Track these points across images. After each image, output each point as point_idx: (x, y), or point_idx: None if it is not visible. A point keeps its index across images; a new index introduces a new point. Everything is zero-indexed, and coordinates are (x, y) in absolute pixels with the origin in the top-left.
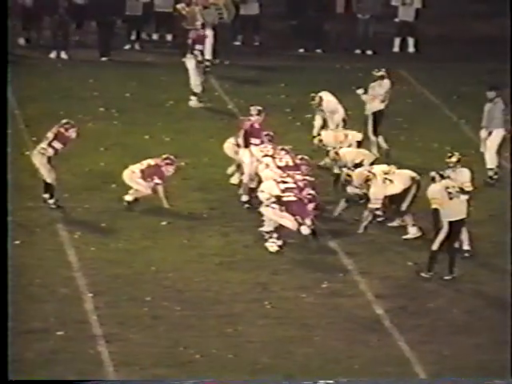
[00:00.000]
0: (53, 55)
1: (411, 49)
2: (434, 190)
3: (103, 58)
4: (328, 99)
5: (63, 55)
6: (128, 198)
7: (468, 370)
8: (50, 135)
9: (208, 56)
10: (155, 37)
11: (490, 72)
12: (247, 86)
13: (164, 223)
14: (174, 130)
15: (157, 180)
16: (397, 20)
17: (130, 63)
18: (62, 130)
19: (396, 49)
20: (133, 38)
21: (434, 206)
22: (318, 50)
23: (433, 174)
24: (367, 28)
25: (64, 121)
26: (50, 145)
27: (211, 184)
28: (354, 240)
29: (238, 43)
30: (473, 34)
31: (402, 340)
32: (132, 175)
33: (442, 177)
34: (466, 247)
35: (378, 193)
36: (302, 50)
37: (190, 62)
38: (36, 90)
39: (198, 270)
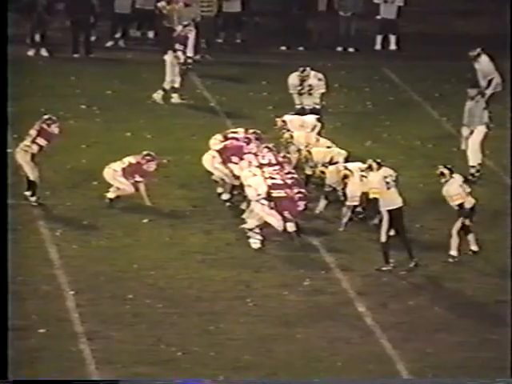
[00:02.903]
0: (31, 53)
1: (393, 46)
2: (373, 180)
3: (75, 55)
4: (291, 119)
5: (43, 52)
6: (110, 195)
7: (450, 367)
8: (33, 132)
9: (190, 53)
10: (137, 34)
11: (472, 70)
12: (229, 84)
13: (146, 221)
14: (155, 127)
15: (138, 178)
16: (379, 17)
17: (111, 60)
18: (45, 126)
19: (378, 46)
20: (118, 35)
21: (372, 196)
22: (301, 48)
23: (370, 161)
24: (349, 26)
25: (46, 116)
26: (33, 142)
27: (193, 181)
28: (335, 237)
29: (220, 40)
30: (454, 32)
31: (384, 337)
32: (114, 173)
33: (380, 165)
34: (473, 248)
35: (355, 190)
36: (284, 48)
37: (168, 59)
38: (17, 88)
39: (181, 268)
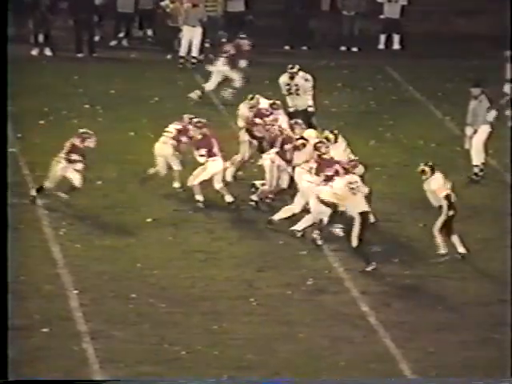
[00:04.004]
0: (34, 52)
1: (396, 46)
2: (337, 187)
3: (79, 55)
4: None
5: (47, 52)
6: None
7: (453, 367)
8: (67, 145)
9: (195, 53)
10: (140, 34)
11: (475, 69)
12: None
13: (149, 220)
14: (159, 126)
15: (185, 139)
16: (382, 17)
17: (115, 60)
18: (77, 142)
19: (381, 46)
20: (121, 35)
21: (339, 204)
22: (304, 47)
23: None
24: (352, 25)
25: (81, 130)
26: (66, 156)
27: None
28: (339, 237)
29: (223, 40)
30: (458, 31)
31: (387, 337)
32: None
33: (347, 170)
34: (461, 250)
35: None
36: (287, 47)
37: (217, 66)
38: (21, 87)
39: (184, 267)
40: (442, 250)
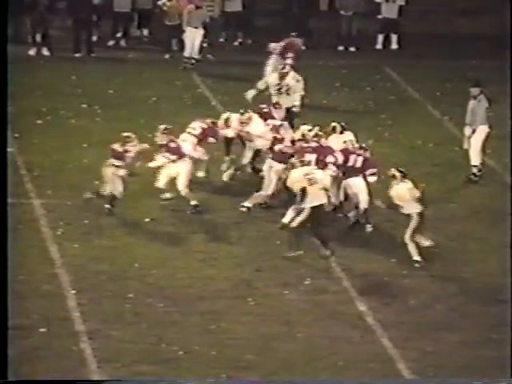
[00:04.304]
0: (32, 52)
1: (394, 45)
2: (295, 175)
3: (76, 54)
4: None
5: (45, 52)
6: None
7: (451, 367)
8: (110, 150)
9: (195, 55)
10: (138, 33)
11: (474, 69)
12: (230, 83)
13: (147, 220)
14: (156, 126)
15: (211, 140)
16: (380, 17)
17: (113, 60)
18: (117, 147)
19: (379, 45)
20: (119, 35)
21: (298, 187)
22: (302, 47)
23: (293, 160)
24: (350, 25)
25: (125, 134)
26: (110, 162)
27: (195, 181)
28: (337, 237)
29: (221, 40)
30: (456, 31)
31: (385, 337)
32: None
33: (303, 163)
34: (415, 258)
35: None
36: None
37: (271, 62)
38: (18, 87)
39: (182, 267)
40: (416, 257)
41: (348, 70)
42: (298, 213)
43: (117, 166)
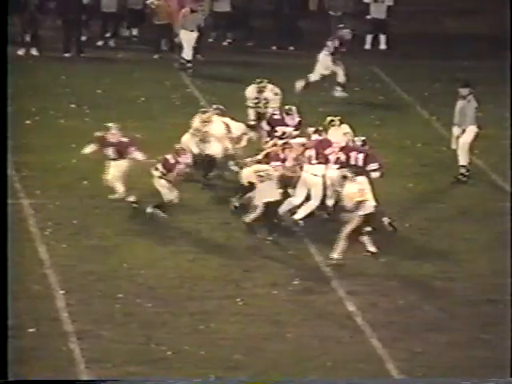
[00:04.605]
0: (21, 52)
1: (383, 46)
2: (246, 174)
3: (66, 54)
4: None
5: (34, 52)
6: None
7: (440, 367)
8: (166, 158)
9: (189, 57)
10: (126, 33)
11: (462, 69)
12: (220, 83)
13: (136, 220)
14: (146, 126)
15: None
16: (369, 17)
17: (102, 60)
18: (170, 157)
19: (368, 46)
20: (108, 35)
21: (248, 181)
22: (291, 48)
23: (248, 160)
24: (339, 25)
25: (177, 146)
26: (159, 168)
27: (183, 180)
28: (325, 237)
29: (210, 40)
30: (444, 32)
31: (374, 337)
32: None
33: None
34: (370, 249)
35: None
36: (274, 48)
37: (321, 56)
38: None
39: (171, 267)
40: (335, 255)
41: None
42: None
43: (164, 175)
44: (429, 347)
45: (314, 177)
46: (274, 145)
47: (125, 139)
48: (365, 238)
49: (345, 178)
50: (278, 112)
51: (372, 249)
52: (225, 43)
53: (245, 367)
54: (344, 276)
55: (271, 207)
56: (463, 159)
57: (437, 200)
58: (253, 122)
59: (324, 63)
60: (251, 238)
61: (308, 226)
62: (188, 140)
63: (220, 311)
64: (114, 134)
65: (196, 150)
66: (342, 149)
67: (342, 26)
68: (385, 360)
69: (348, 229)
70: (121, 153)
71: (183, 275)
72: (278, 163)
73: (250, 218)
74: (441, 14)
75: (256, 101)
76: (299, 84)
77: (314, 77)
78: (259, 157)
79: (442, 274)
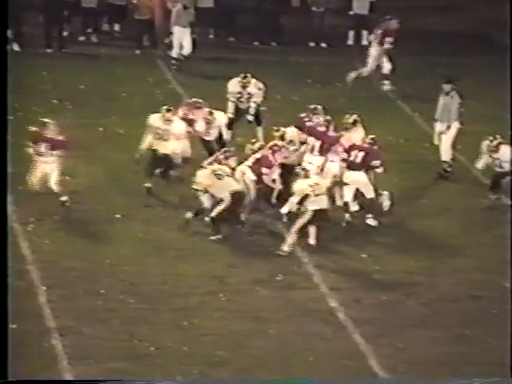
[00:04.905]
0: None
1: (365, 42)
2: (202, 175)
3: (48, 50)
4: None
5: (15, 47)
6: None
7: (423, 363)
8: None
9: (186, 53)
10: (107, 28)
11: (444, 65)
12: (202, 79)
13: (118, 216)
14: (128, 123)
15: (265, 170)
16: (351, 13)
17: (84, 55)
18: (222, 157)
19: (350, 42)
20: (89, 30)
21: (197, 188)
22: (273, 43)
23: (205, 162)
24: (322, 21)
25: (224, 149)
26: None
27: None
28: (307, 233)
29: (193, 36)
30: (427, 28)
31: (357, 333)
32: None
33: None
34: (311, 241)
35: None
36: (257, 43)
37: (373, 49)
38: None
39: (154, 264)
40: (286, 248)
41: (319, 67)
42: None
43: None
44: (412, 343)
45: (309, 165)
46: (261, 147)
47: (59, 138)
48: (311, 230)
49: (296, 175)
50: (305, 116)
51: (312, 241)
52: (208, 39)
53: (228, 363)
54: (327, 272)
55: (236, 200)
56: (445, 155)
57: (419, 196)
58: (231, 116)
59: (374, 55)
60: (234, 234)
61: (291, 221)
62: (150, 140)
63: (203, 307)
64: (50, 131)
65: (159, 149)
66: (347, 148)
67: (388, 17)
68: (368, 356)
69: (299, 223)
70: (52, 150)
71: (166, 272)
72: (266, 170)
73: (215, 212)
74: (423, 11)
75: (239, 95)
76: (351, 76)
77: (366, 71)
78: (248, 163)
79: (425, 270)
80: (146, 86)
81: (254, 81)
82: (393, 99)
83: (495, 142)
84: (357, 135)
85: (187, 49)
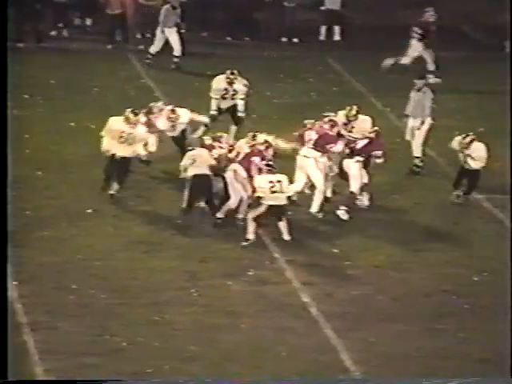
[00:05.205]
0: None
1: (337, 37)
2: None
3: (19, 44)
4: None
5: None
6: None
7: (394, 357)
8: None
9: (178, 53)
10: (78, 23)
11: (415, 60)
12: (174, 74)
13: (90, 211)
14: (100, 117)
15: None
16: (323, 8)
17: (55, 50)
18: (262, 147)
19: (322, 37)
20: (61, 25)
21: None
22: (246, 38)
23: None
24: (294, 16)
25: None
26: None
27: (137, 171)
28: (279, 228)
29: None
30: (398, 23)
31: (329, 327)
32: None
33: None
34: (285, 237)
35: None
36: (229, 38)
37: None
38: None
39: (125, 258)
40: (250, 236)
41: (291, 62)
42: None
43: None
44: (383, 337)
45: (306, 159)
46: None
47: None
48: (281, 225)
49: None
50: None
51: (286, 237)
52: (179, 33)
53: (200, 358)
54: (299, 267)
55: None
56: (417, 150)
57: (391, 191)
58: (215, 113)
59: (415, 48)
60: (206, 228)
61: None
62: (109, 143)
63: (175, 302)
64: None
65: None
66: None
67: (428, 9)
68: (339, 350)
69: (255, 213)
70: None
71: (137, 266)
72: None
73: (185, 202)
74: (395, 6)
75: (224, 92)
76: (387, 62)
77: (404, 60)
78: (233, 155)
79: (396, 265)
80: (118, 81)
81: (239, 78)
82: (364, 94)
83: (468, 139)
84: (365, 123)
85: (177, 50)
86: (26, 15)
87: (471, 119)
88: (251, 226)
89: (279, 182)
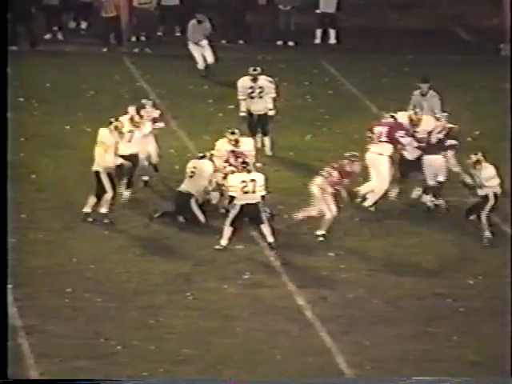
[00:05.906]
0: None
1: (332, 40)
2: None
3: (13, 47)
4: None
5: None
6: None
7: (388, 360)
8: (331, 170)
9: (210, 61)
10: (73, 25)
11: (410, 63)
12: (169, 77)
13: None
14: (95, 120)
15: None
16: (318, 11)
17: (50, 53)
18: (346, 164)
19: (317, 40)
20: (55, 28)
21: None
22: (240, 41)
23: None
24: (289, 19)
25: (348, 154)
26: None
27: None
28: (275, 231)
29: (159, 33)
30: (393, 26)
31: (323, 330)
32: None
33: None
34: (269, 240)
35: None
36: (224, 41)
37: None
38: None
39: (119, 262)
40: (223, 242)
41: (286, 65)
42: None
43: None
44: (377, 340)
45: (379, 156)
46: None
47: None
48: (263, 228)
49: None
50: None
51: (270, 239)
52: (174, 37)
53: (194, 361)
54: (293, 270)
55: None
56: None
57: (385, 194)
58: (245, 114)
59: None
60: (200, 232)
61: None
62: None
63: (169, 305)
64: None
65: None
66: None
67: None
68: (334, 353)
69: (230, 217)
70: None
71: (131, 270)
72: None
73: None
74: (389, 9)
75: (250, 90)
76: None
77: None
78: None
79: (389, 268)
80: (113, 84)
81: (263, 75)
82: (359, 97)
83: (474, 158)
84: (430, 122)
85: (210, 60)
86: (20, 18)
87: (464, 122)
88: (227, 232)
89: (253, 181)
